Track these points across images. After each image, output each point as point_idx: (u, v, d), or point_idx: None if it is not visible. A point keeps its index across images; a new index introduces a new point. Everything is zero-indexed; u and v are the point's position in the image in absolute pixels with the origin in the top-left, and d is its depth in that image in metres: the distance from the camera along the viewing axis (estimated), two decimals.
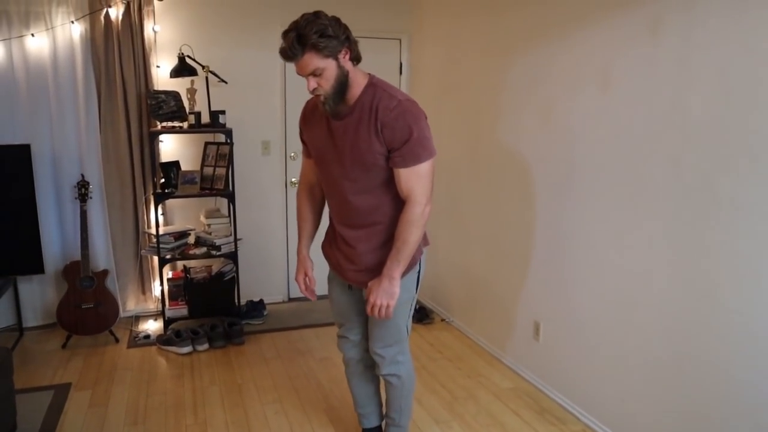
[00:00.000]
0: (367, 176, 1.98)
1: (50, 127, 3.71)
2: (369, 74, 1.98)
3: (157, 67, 3.87)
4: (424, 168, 1.92)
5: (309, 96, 2.02)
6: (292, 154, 4.34)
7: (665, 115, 2.23)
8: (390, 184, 1.99)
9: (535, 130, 3.02)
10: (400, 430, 2.39)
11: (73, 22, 3.63)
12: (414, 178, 1.92)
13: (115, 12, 3.67)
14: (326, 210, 2.26)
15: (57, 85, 3.68)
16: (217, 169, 3.74)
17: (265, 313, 4.13)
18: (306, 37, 1.76)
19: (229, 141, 3.74)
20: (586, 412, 2.76)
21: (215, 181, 3.73)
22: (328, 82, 1.85)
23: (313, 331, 3.91)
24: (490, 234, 3.50)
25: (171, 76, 3.75)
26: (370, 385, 2.43)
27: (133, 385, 3.13)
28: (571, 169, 2.77)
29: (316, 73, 1.83)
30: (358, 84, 1.93)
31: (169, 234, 3.73)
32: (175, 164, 3.83)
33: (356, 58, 1.92)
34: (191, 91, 3.78)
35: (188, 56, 3.76)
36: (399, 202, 2.00)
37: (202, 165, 3.80)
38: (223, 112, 3.75)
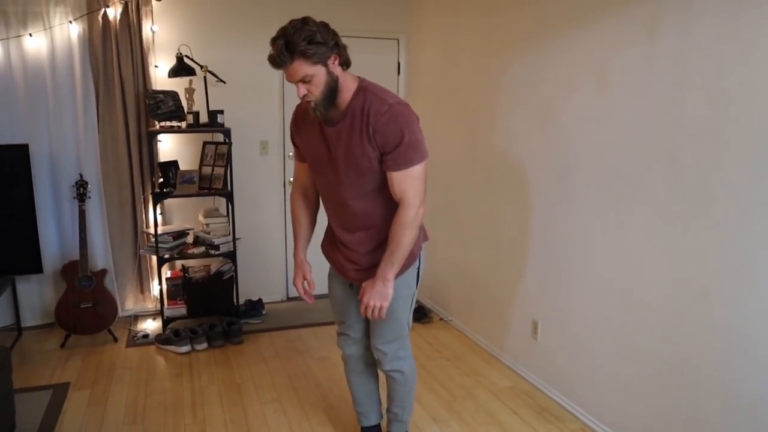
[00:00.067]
0: (362, 181, 1.99)
1: (48, 126, 3.71)
2: (359, 77, 1.97)
3: (156, 66, 3.87)
4: (416, 171, 1.92)
5: None
6: (291, 154, 4.34)
7: (662, 115, 2.24)
8: (386, 187, 1.99)
9: (532, 130, 3.03)
10: (402, 426, 2.41)
11: (71, 22, 3.63)
12: (407, 181, 1.92)
13: (113, 12, 3.67)
14: (324, 210, 2.26)
15: (55, 85, 3.68)
16: (215, 168, 3.74)
17: (263, 312, 4.14)
18: (294, 44, 1.76)
19: (227, 141, 3.74)
20: (584, 411, 2.77)
21: (214, 180, 3.73)
22: (317, 89, 1.84)
23: (311, 330, 3.92)
24: (489, 233, 3.51)
25: (169, 76, 3.75)
26: (369, 383, 2.44)
27: (132, 384, 3.13)
28: (568, 169, 2.78)
29: (305, 80, 1.82)
30: (348, 88, 1.92)
31: (167, 233, 3.73)
32: (174, 164, 3.84)
33: (346, 63, 1.91)
34: (189, 91, 3.79)
35: (186, 56, 3.76)
36: (396, 204, 2.00)
37: (201, 164, 3.81)
38: (221, 112, 3.75)
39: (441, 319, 4.13)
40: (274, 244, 4.41)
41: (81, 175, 3.69)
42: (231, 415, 2.82)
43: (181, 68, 3.70)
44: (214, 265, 4.03)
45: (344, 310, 2.32)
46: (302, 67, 1.79)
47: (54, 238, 3.83)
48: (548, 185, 2.93)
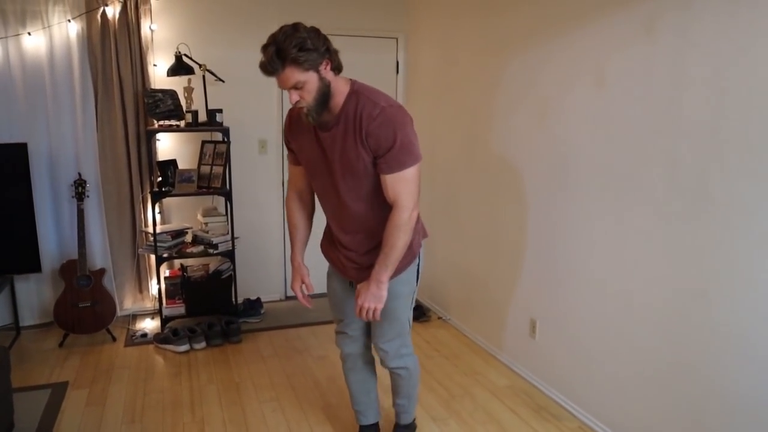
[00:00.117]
0: (359, 184, 1.99)
1: (47, 125, 3.71)
2: (351, 80, 1.96)
3: (154, 65, 3.87)
4: (409, 173, 1.92)
5: None
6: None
7: (660, 114, 2.24)
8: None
9: (531, 129, 3.03)
10: (409, 416, 2.50)
11: (69, 20, 3.63)
12: (400, 184, 1.92)
13: (112, 11, 3.67)
14: (322, 210, 2.26)
15: (54, 84, 3.67)
16: (214, 167, 3.74)
17: (262, 311, 4.14)
18: (285, 52, 1.75)
19: (226, 139, 3.74)
20: (582, 409, 2.78)
21: (212, 179, 3.73)
22: (310, 95, 1.84)
23: (310, 329, 3.92)
24: (487, 233, 3.51)
25: (168, 75, 3.75)
26: (367, 382, 2.45)
27: (131, 383, 3.13)
28: (567, 168, 2.78)
29: (297, 86, 1.82)
30: (340, 92, 1.91)
31: (166, 232, 3.73)
32: (172, 163, 3.84)
33: (337, 68, 1.90)
34: (188, 90, 3.79)
35: (185, 55, 3.76)
36: None
37: (199, 163, 3.80)
38: (220, 111, 3.75)
39: (439, 318, 4.13)
40: (273, 244, 4.41)
41: (80, 174, 3.69)
42: (229, 414, 2.83)
43: (179, 67, 3.70)
44: (213, 264, 4.03)
45: (342, 308, 2.33)
46: (294, 74, 1.79)
47: (52, 237, 3.83)
48: (546, 184, 2.94)
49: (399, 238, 1.96)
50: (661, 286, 2.29)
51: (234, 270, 3.87)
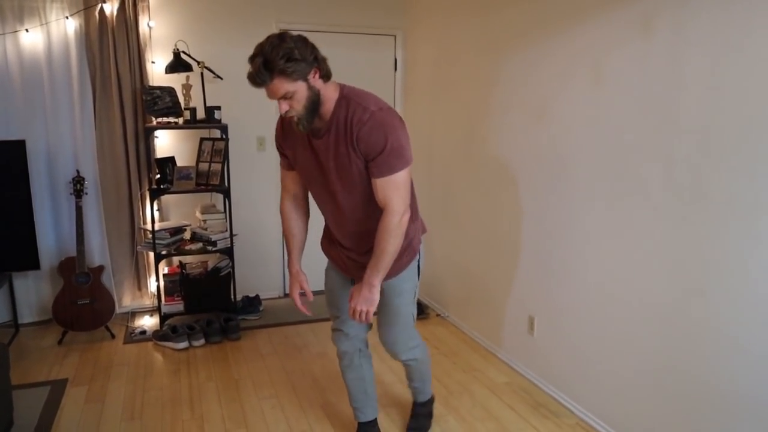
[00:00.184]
0: (355, 188, 1.99)
1: (45, 122, 3.70)
2: (340, 86, 1.95)
3: (152, 62, 3.86)
4: (399, 177, 1.92)
5: None
6: None
7: (657, 111, 2.24)
8: None
9: (528, 126, 3.03)
10: (426, 395, 2.64)
11: (67, 17, 3.62)
12: (390, 188, 1.92)
13: (110, 7, 3.66)
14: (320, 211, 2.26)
15: (52, 81, 3.67)
16: (212, 164, 3.74)
17: (261, 308, 4.15)
18: (273, 63, 1.74)
19: (224, 137, 3.74)
20: (580, 406, 2.79)
21: (211, 176, 3.73)
22: (299, 104, 1.84)
23: (309, 326, 3.93)
24: (485, 230, 3.52)
25: (166, 72, 3.74)
26: (364, 380, 2.45)
27: (130, 380, 3.14)
28: (564, 165, 2.79)
29: (286, 97, 1.81)
30: (330, 99, 1.91)
31: (164, 230, 3.73)
32: (171, 160, 3.83)
33: (326, 75, 1.89)
34: (186, 87, 3.78)
35: (183, 52, 3.76)
36: None
37: (198, 161, 3.80)
38: (218, 108, 3.75)
39: (438, 315, 4.14)
40: (272, 241, 4.42)
41: (78, 172, 3.68)
42: (229, 411, 2.83)
43: (178, 64, 3.69)
44: (212, 261, 4.03)
45: (339, 305, 2.34)
46: (283, 85, 1.78)
47: (51, 234, 3.83)
48: (544, 181, 2.94)
49: (390, 242, 1.97)
50: (658, 284, 2.29)
51: (233, 267, 3.87)
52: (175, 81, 3.85)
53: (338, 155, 1.93)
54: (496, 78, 3.31)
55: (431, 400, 2.69)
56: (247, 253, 4.32)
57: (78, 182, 3.58)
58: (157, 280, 3.81)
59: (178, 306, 3.83)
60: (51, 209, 3.81)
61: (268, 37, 1.79)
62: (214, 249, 3.75)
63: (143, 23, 3.76)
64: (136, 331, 3.75)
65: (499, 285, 3.40)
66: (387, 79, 4.47)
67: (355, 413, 2.52)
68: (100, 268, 3.66)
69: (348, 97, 1.91)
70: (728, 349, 2.03)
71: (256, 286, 4.38)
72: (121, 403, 2.91)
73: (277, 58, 1.74)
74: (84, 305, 3.55)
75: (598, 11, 2.52)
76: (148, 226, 3.78)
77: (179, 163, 3.93)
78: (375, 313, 2.09)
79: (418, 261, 2.24)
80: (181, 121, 3.72)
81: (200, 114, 3.84)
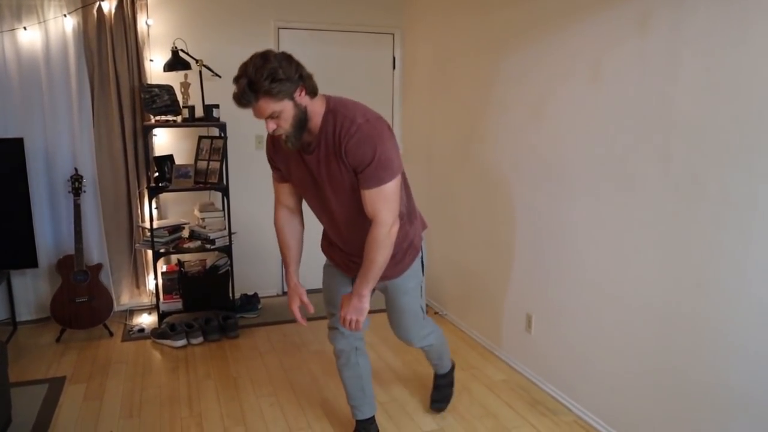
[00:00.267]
0: (349, 199, 2.00)
1: (43, 121, 3.70)
2: (326, 98, 1.94)
3: (151, 61, 3.86)
4: (388, 188, 1.91)
5: None
6: None
7: (654, 109, 2.25)
8: None
9: (526, 125, 3.04)
10: (445, 368, 2.76)
11: (65, 15, 3.61)
12: (379, 200, 1.92)
13: (108, 5, 3.65)
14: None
15: (50, 79, 3.66)
16: (211, 162, 3.74)
17: (259, 306, 4.15)
18: (257, 84, 1.73)
19: (222, 135, 3.74)
20: (578, 404, 2.79)
21: (209, 174, 3.73)
22: (287, 122, 1.83)
23: (307, 324, 3.92)
24: (483, 228, 3.52)
25: (164, 70, 3.74)
26: (361, 378, 2.45)
27: (128, 378, 3.14)
28: (562, 163, 2.79)
29: (273, 116, 1.81)
30: (317, 114, 1.90)
31: (163, 228, 3.73)
32: (169, 158, 3.83)
33: (312, 92, 1.88)
34: (185, 85, 3.78)
35: (182, 50, 3.75)
36: None
37: (196, 159, 3.80)
38: (216, 106, 3.74)
39: (436, 314, 4.14)
40: (270, 239, 4.41)
41: (76, 170, 3.68)
42: (227, 409, 2.84)
43: (176, 62, 3.69)
44: (210, 259, 4.03)
45: (336, 303, 2.35)
46: (269, 105, 1.77)
47: (49, 232, 3.83)
48: (542, 179, 2.95)
49: (379, 254, 1.97)
50: (655, 281, 2.30)
51: (231, 265, 3.88)
52: (174, 79, 3.85)
53: (330, 169, 1.94)
54: (495, 76, 3.31)
55: (452, 370, 2.80)
56: (245, 251, 4.32)
57: (76, 180, 3.58)
58: (156, 278, 3.81)
59: (177, 304, 3.83)
60: (49, 207, 3.81)
61: (252, 57, 1.78)
62: (212, 247, 3.76)
63: (141, 21, 3.76)
64: (134, 329, 3.75)
65: (497, 283, 3.41)
66: (385, 78, 4.47)
67: (353, 411, 2.52)
68: (99, 266, 3.66)
69: (335, 110, 1.90)
70: (724, 347, 2.04)
71: (254, 284, 4.39)
72: (119, 400, 2.91)
73: (262, 79, 1.72)
74: (82, 303, 3.55)
75: (596, 10, 2.52)
76: (147, 224, 3.78)
77: (178, 161, 3.93)
78: (385, 311, 2.12)
79: (422, 257, 2.27)
80: (179, 119, 3.72)
81: (199, 112, 3.84)
